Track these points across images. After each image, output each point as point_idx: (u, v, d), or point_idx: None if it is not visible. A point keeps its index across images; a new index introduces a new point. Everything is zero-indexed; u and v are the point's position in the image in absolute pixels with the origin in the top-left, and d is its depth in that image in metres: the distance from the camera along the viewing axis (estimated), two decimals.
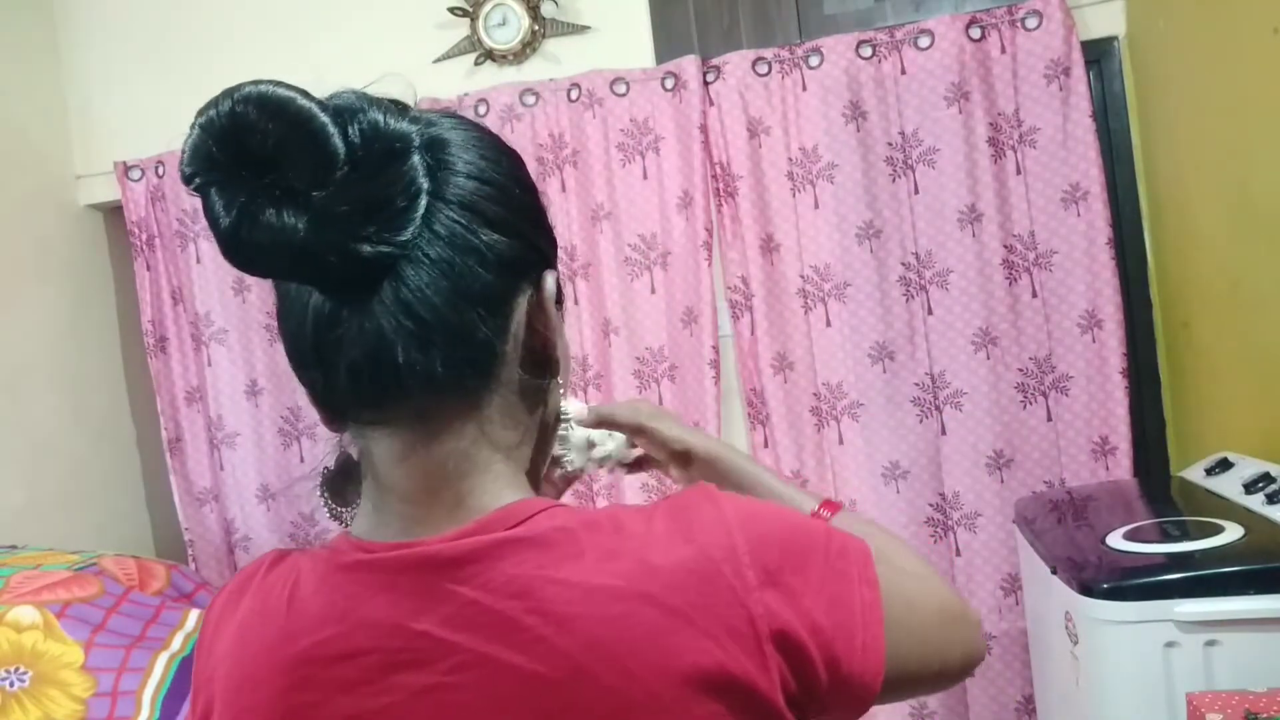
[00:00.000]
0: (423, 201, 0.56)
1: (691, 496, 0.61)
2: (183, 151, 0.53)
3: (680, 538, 0.58)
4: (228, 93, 0.53)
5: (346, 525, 0.64)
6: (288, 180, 0.52)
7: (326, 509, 0.65)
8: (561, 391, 0.68)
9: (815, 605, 0.58)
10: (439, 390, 0.58)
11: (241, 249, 0.54)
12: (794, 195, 2.22)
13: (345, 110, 0.55)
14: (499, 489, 0.61)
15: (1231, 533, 1.36)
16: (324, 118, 0.53)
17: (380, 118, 0.55)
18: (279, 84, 0.53)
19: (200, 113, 0.53)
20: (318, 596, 0.59)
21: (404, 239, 0.55)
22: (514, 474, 0.62)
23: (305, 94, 0.53)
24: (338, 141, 0.53)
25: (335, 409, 0.62)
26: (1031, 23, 2.10)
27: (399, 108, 0.59)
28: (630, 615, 0.55)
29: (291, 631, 0.59)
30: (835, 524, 0.71)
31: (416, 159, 0.56)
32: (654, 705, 0.54)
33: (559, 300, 0.65)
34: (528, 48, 2.34)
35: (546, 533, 0.58)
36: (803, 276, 2.22)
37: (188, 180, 0.54)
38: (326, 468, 0.65)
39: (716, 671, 0.54)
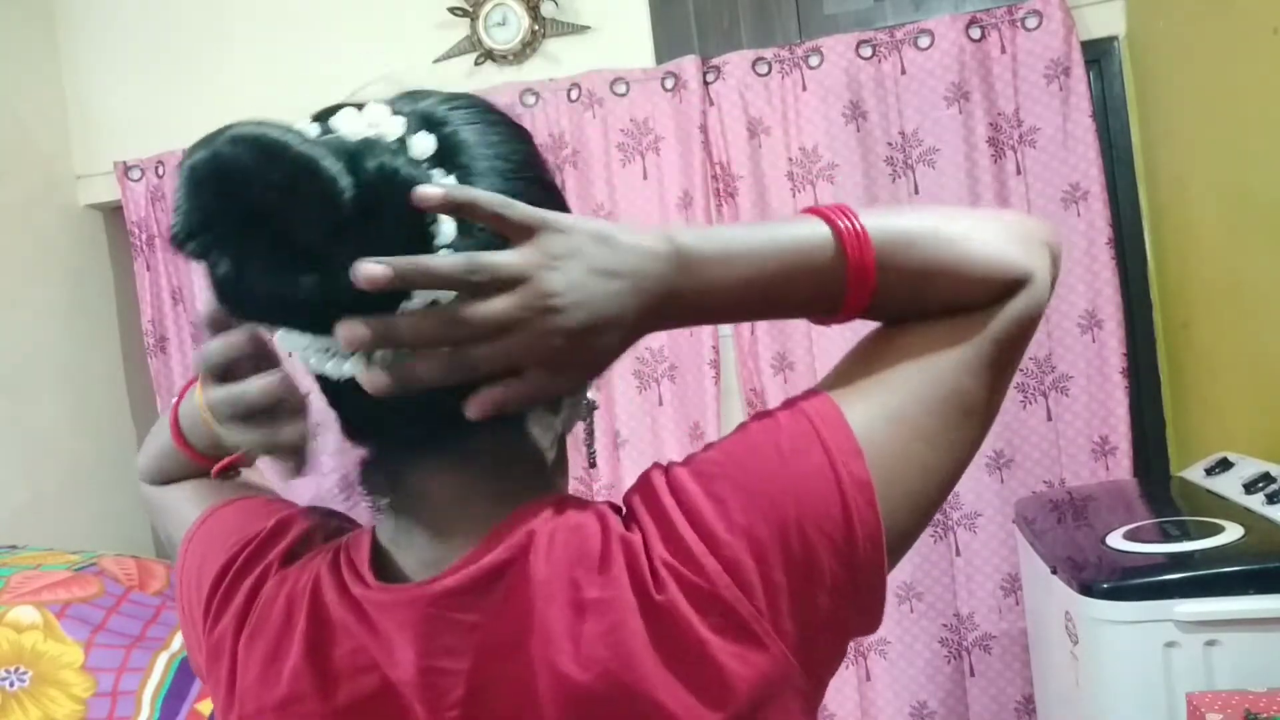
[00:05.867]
0: (445, 250, 0.52)
1: (633, 491, 0.59)
2: (174, 208, 0.49)
3: (625, 557, 0.56)
4: (213, 136, 0.48)
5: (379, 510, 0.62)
6: (293, 235, 0.48)
7: (365, 499, 0.62)
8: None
9: (791, 543, 0.55)
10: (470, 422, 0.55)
11: (246, 308, 0.51)
12: (794, 195, 2.22)
13: (351, 153, 0.49)
14: (520, 492, 0.59)
15: (1231, 533, 1.36)
16: (329, 163, 0.47)
17: (390, 161, 0.49)
18: (270, 124, 0.48)
19: (186, 157, 0.48)
20: (340, 643, 0.58)
21: None
22: (540, 477, 0.62)
23: (300, 135, 0.48)
24: (346, 192, 0.47)
25: (366, 442, 0.60)
26: (1031, 23, 2.10)
27: (411, 103, 0.56)
28: (626, 628, 0.54)
29: (306, 688, 0.58)
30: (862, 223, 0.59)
31: (444, 230, 0.52)
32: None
33: None
34: (528, 48, 2.35)
35: (552, 542, 0.56)
36: None
37: (179, 244, 0.49)
38: (362, 460, 0.62)
39: (737, 679, 0.54)
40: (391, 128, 0.52)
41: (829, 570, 0.55)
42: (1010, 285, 0.62)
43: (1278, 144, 1.54)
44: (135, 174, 2.50)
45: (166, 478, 0.78)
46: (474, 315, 0.50)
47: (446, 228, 0.51)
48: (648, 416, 2.31)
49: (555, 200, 0.62)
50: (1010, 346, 0.62)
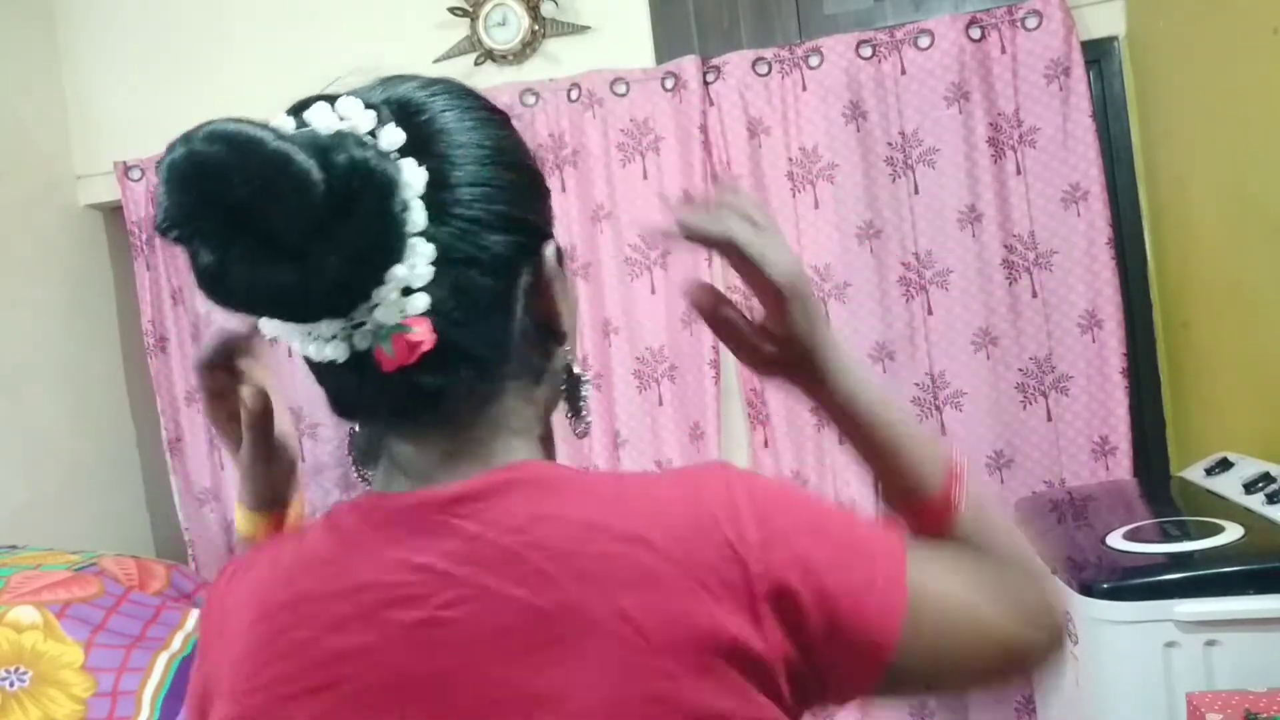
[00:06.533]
0: (416, 239, 0.54)
1: (703, 465, 0.61)
2: (156, 203, 0.51)
3: (681, 493, 0.58)
4: (191, 134, 0.50)
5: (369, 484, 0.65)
6: (270, 229, 0.50)
7: (355, 471, 0.65)
8: (569, 352, 0.66)
9: (822, 567, 0.56)
10: (453, 398, 0.59)
11: (228, 298, 0.53)
12: (794, 195, 2.22)
13: (323, 147, 0.51)
14: (507, 457, 0.61)
15: (1231, 533, 1.36)
16: (301, 159, 0.50)
17: (360, 154, 0.52)
18: (245, 122, 0.50)
19: (166, 154, 0.51)
20: (325, 539, 0.60)
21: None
22: (525, 445, 0.62)
23: (275, 132, 0.51)
24: (319, 186, 0.50)
25: (352, 417, 0.63)
26: (1031, 23, 2.10)
27: (386, 90, 0.59)
28: (625, 555, 0.55)
29: (296, 571, 0.60)
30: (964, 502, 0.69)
31: (407, 193, 0.54)
32: (641, 645, 0.53)
33: (560, 261, 0.64)
34: (528, 48, 2.35)
35: (549, 476, 0.59)
36: None
37: (163, 233, 0.51)
38: (353, 430, 0.65)
39: (708, 624, 0.54)
40: (363, 120, 0.54)
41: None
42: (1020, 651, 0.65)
43: (1278, 144, 1.54)
44: (135, 174, 2.50)
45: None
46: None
47: (417, 216, 0.54)
48: (648, 416, 2.31)
49: (537, 185, 0.64)
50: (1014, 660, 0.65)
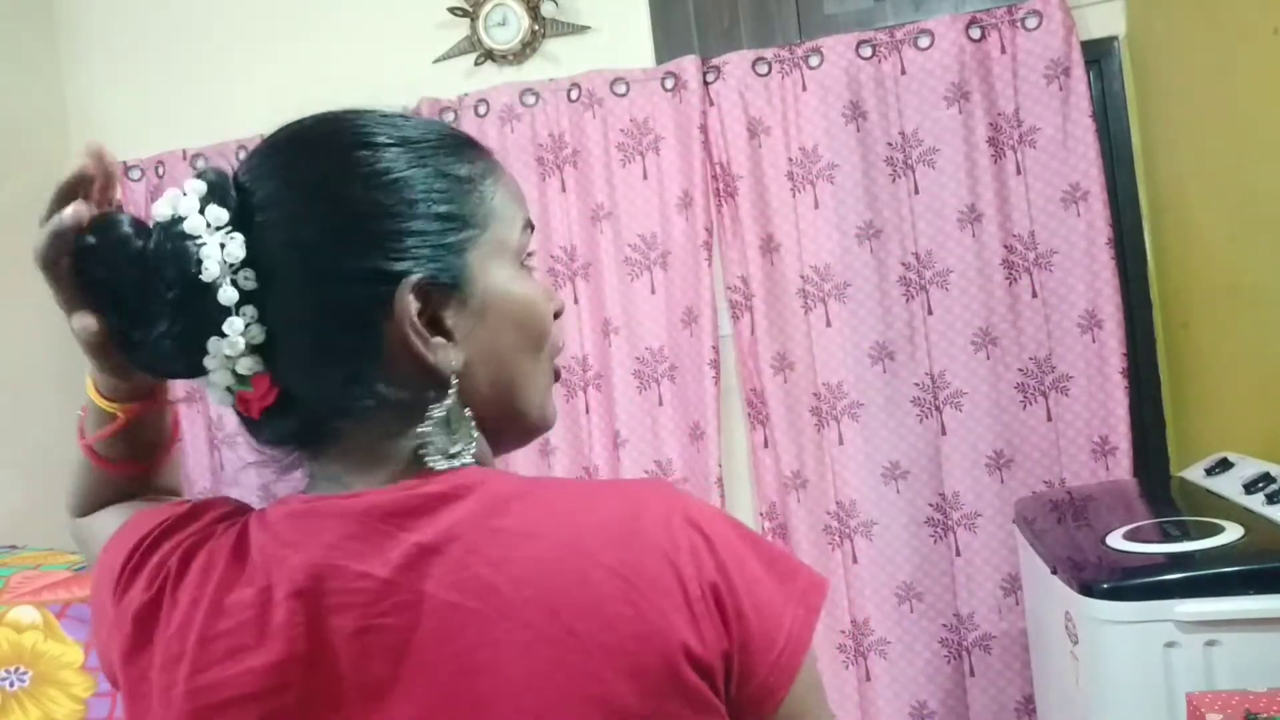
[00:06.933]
0: (233, 314, 0.58)
1: (647, 480, 0.63)
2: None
3: (617, 503, 0.59)
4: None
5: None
6: (125, 304, 0.60)
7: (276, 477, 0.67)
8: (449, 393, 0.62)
9: (745, 593, 0.57)
10: (330, 433, 0.62)
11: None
12: (794, 195, 2.22)
13: (149, 234, 0.60)
14: (421, 466, 0.61)
15: (1231, 533, 1.36)
16: (133, 247, 0.60)
17: (158, 241, 0.59)
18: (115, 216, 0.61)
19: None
20: (262, 541, 0.60)
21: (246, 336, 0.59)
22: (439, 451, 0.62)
23: (131, 220, 0.61)
24: (139, 271, 0.59)
25: (266, 445, 0.65)
26: (1031, 23, 2.10)
27: (243, 163, 0.63)
28: (560, 561, 0.56)
29: (229, 578, 0.59)
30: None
31: (213, 270, 0.58)
32: (579, 649, 0.54)
33: (455, 288, 0.61)
34: (528, 48, 2.35)
35: (487, 488, 0.59)
36: (803, 276, 2.22)
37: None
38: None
39: (644, 627, 0.55)
40: (191, 202, 0.59)
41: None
42: None
43: (1278, 144, 1.54)
44: (135, 174, 2.50)
45: (89, 503, 0.78)
46: None
47: (227, 290, 0.58)
48: (648, 416, 2.31)
49: (391, 226, 0.60)
50: None
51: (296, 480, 0.65)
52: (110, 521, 0.73)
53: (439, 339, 0.60)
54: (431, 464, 0.61)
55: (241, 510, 0.65)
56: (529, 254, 0.67)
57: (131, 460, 0.75)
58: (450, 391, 0.61)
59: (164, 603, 0.60)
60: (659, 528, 0.57)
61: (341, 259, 0.59)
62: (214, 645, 0.57)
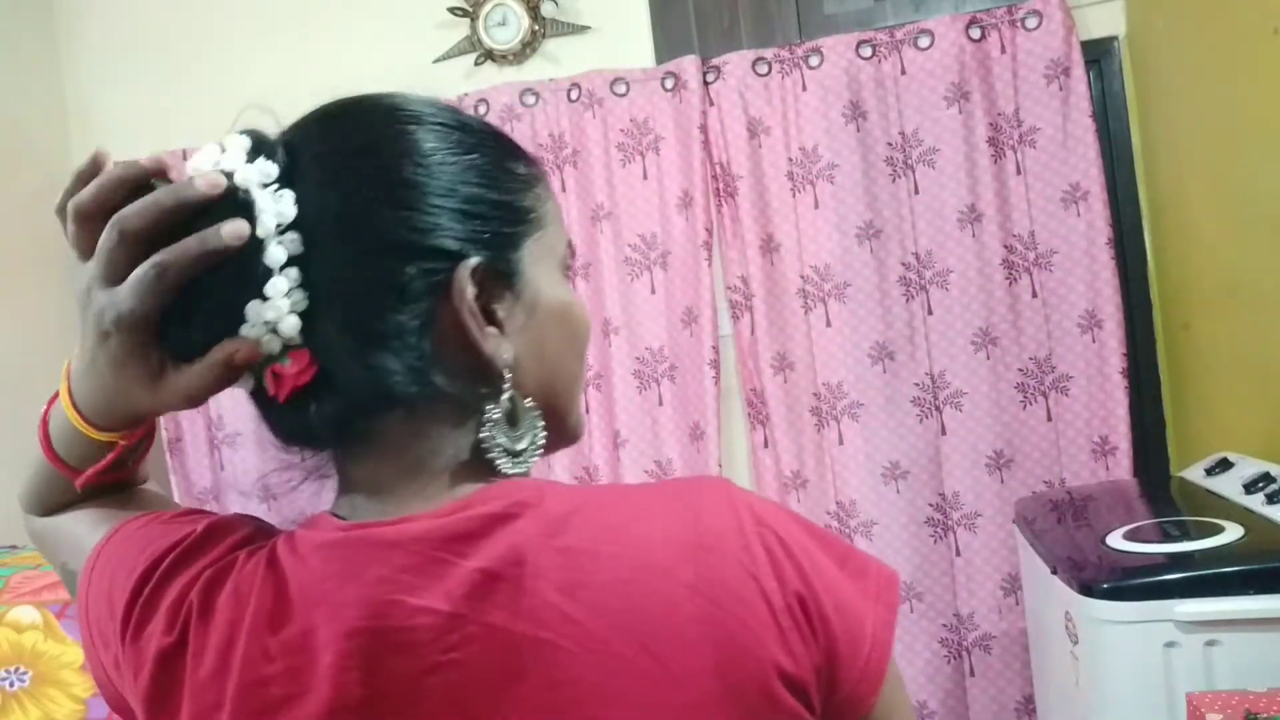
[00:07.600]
0: (277, 274, 0.53)
1: (700, 478, 0.59)
2: None
3: (679, 508, 0.55)
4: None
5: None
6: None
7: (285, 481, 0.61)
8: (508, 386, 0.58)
9: (828, 599, 0.55)
10: (368, 429, 0.56)
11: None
12: (794, 195, 2.22)
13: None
14: (468, 475, 0.57)
15: (1231, 533, 1.36)
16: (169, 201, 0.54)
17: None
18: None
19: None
20: (299, 573, 0.54)
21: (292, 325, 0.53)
22: (477, 472, 0.57)
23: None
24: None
25: (288, 443, 0.59)
26: (1031, 23, 2.10)
27: (290, 126, 0.58)
28: (636, 584, 0.52)
29: (264, 616, 0.53)
30: None
31: (261, 227, 0.52)
32: (664, 678, 0.50)
33: (510, 279, 0.57)
34: (528, 48, 2.35)
35: (544, 503, 0.54)
36: (803, 276, 2.22)
37: None
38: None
39: (734, 647, 0.51)
40: (237, 155, 0.54)
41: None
42: None
43: (1278, 143, 1.54)
44: None
45: (48, 505, 0.73)
46: None
47: (274, 250, 0.53)
48: (648, 416, 2.31)
49: (448, 206, 0.56)
50: None
51: (309, 488, 0.60)
52: (86, 530, 0.68)
53: (492, 329, 0.56)
54: (500, 466, 0.56)
55: (263, 532, 0.60)
56: (568, 268, 0.64)
57: (111, 473, 0.69)
58: (505, 386, 0.56)
59: (189, 643, 0.54)
60: (732, 535, 0.54)
61: (399, 230, 0.54)
62: (256, 693, 0.52)
